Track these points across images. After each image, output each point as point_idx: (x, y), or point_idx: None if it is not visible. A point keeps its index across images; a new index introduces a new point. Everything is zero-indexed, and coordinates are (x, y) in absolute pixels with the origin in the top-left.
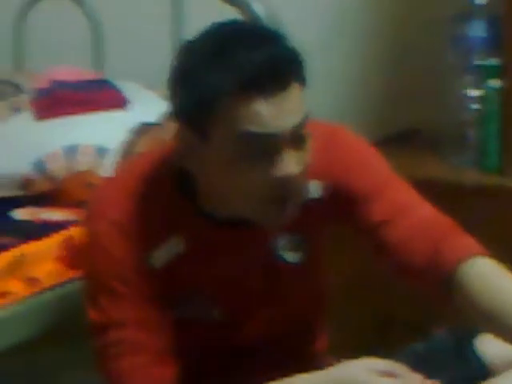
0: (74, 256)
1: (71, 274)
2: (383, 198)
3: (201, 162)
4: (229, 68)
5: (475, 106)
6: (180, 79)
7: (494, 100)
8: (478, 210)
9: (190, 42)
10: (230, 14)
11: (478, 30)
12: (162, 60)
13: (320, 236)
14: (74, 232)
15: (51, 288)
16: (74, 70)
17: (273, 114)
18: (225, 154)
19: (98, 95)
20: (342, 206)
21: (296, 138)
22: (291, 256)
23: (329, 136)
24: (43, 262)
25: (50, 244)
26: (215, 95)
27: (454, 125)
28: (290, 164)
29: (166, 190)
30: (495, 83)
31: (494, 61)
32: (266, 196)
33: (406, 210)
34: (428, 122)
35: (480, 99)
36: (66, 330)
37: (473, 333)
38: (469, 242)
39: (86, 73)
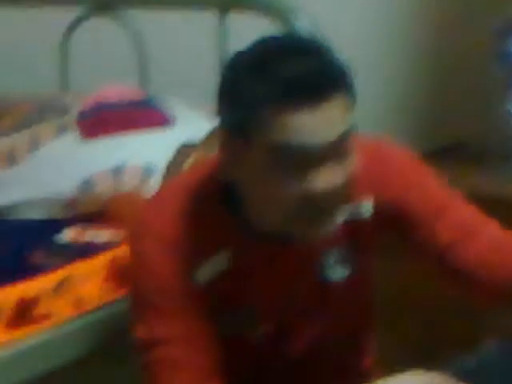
0: (120, 276)
1: (118, 294)
2: (446, 218)
3: (243, 173)
4: (269, 80)
5: None
6: (226, 91)
7: None
8: None
9: (237, 56)
10: (275, 30)
11: None
12: (208, 78)
13: (369, 251)
14: (120, 252)
15: (98, 309)
16: (119, 89)
17: (311, 127)
18: (263, 164)
19: (143, 115)
20: (399, 224)
21: (337, 151)
22: (338, 272)
23: (378, 151)
24: (90, 283)
25: (97, 265)
26: (256, 106)
27: (499, 139)
28: (327, 179)
29: (212, 205)
30: None
31: None
32: (300, 209)
33: (474, 229)
34: (474, 135)
35: None
36: (113, 350)
37: None
38: None
39: (131, 92)
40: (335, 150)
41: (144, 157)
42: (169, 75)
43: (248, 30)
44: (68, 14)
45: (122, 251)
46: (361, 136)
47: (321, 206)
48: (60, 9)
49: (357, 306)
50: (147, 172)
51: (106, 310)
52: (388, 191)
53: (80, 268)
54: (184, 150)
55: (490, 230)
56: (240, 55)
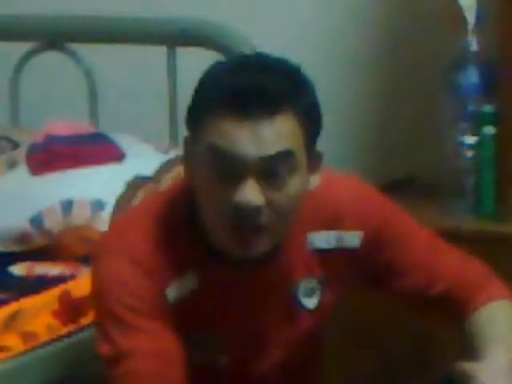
0: (70, 310)
1: (68, 328)
2: (421, 267)
3: (194, 174)
4: (219, 87)
5: (471, 153)
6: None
7: (489, 147)
8: (475, 255)
9: (210, 66)
10: None
11: (472, 77)
12: (158, 113)
13: (341, 284)
14: (70, 286)
15: (49, 342)
16: (69, 124)
17: (246, 137)
18: (205, 163)
19: (93, 149)
20: (378, 259)
21: (267, 171)
22: (308, 301)
23: (358, 187)
24: (40, 317)
25: (47, 298)
26: (204, 108)
27: (450, 172)
28: (251, 193)
29: (178, 227)
30: (490, 130)
31: (488, 107)
32: (227, 222)
33: (438, 270)
34: (424, 169)
35: (475, 146)
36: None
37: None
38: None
39: (81, 127)
40: (266, 168)
41: (93, 191)
42: (119, 110)
43: (199, 65)
44: (19, 49)
45: (73, 285)
46: (334, 172)
47: (242, 220)
48: (11, 43)
49: (315, 335)
50: (97, 206)
51: (57, 345)
52: (372, 227)
53: (30, 302)
54: (134, 184)
55: (449, 270)
56: (212, 66)
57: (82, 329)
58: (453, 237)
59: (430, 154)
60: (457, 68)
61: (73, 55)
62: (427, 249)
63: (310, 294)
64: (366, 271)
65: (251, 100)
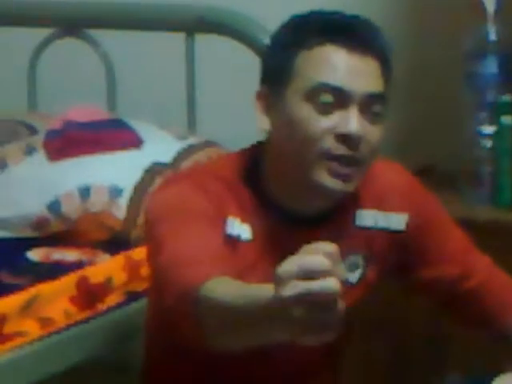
0: (87, 296)
1: (85, 314)
2: (456, 258)
3: (276, 121)
4: (312, 22)
5: (489, 143)
6: (268, 46)
7: (507, 136)
8: (491, 245)
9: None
10: (243, 53)
11: (491, 66)
12: (176, 99)
13: (381, 266)
14: (88, 272)
15: (66, 328)
16: (87, 110)
17: (349, 70)
18: (295, 107)
19: (111, 135)
20: (417, 244)
21: (367, 107)
22: (351, 276)
23: (406, 172)
24: (57, 302)
25: (64, 284)
26: (299, 44)
27: (468, 161)
28: (356, 123)
29: (238, 184)
30: (508, 120)
31: (507, 97)
32: (325, 149)
33: (472, 264)
34: (442, 158)
35: (493, 136)
36: (80, 369)
37: (487, 379)
38: None
39: (99, 113)
40: (368, 106)
41: (111, 177)
42: (137, 97)
43: (216, 53)
44: (37, 35)
45: (91, 271)
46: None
47: (344, 150)
48: (29, 29)
49: (348, 315)
50: (114, 193)
51: (74, 330)
52: (421, 214)
53: (48, 287)
54: (152, 171)
55: (483, 268)
56: (290, 17)
57: (99, 314)
58: (470, 226)
59: (448, 143)
60: (476, 57)
61: (91, 41)
62: (464, 245)
63: (352, 268)
64: (402, 256)
65: (352, 31)
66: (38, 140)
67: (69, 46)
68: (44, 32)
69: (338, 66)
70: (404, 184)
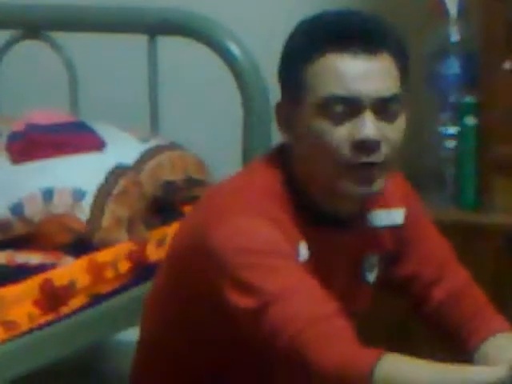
0: (51, 299)
1: (49, 317)
2: (434, 260)
3: (296, 133)
4: (324, 30)
5: (452, 144)
6: (282, 57)
7: (470, 137)
8: (455, 246)
9: (295, 27)
10: (206, 54)
11: (453, 67)
12: (138, 102)
13: (388, 263)
14: (51, 275)
15: (29, 331)
16: (49, 113)
17: (355, 76)
18: (311, 120)
19: (73, 138)
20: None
21: (381, 108)
22: (370, 276)
23: (401, 176)
24: (21, 306)
25: (28, 287)
26: (304, 59)
27: (431, 162)
28: (372, 128)
29: (284, 200)
30: (471, 120)
31: (469, 98)
32: (345, 159)
33: (449, 270)
34: (405, 159)
35: (456, 136)
36: (43, 372)
37: None
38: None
39: (61, 115)
40: (380, 106)
41: (74, 180)
42: (99, 100)
43: (178, 54)
44: None
45: (54, 274)
46: None
47: (363, 156)
48: None
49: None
50: (77, 195)
51: (38, 334)
52: (412, 212)
53: (11, 291)
54: (115, 173)
55: (459, 280)
56: (297, 25)
57: (63, 317)
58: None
59: (411, 144)
60: (438, 58)
61: (53, 44)
62: (444, 252)
63: (371, 268)
64: (399, 250)
65: (358, 37)
66: (1, 143)
67: (31, 48)
68: (5, 34)
69: (343, 73)
70: (402, 182)
